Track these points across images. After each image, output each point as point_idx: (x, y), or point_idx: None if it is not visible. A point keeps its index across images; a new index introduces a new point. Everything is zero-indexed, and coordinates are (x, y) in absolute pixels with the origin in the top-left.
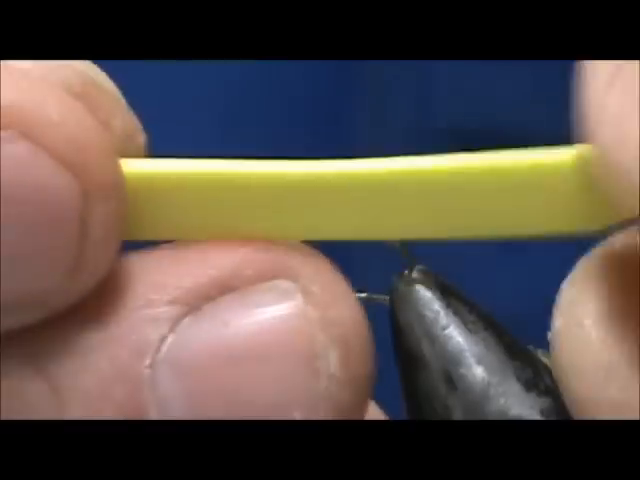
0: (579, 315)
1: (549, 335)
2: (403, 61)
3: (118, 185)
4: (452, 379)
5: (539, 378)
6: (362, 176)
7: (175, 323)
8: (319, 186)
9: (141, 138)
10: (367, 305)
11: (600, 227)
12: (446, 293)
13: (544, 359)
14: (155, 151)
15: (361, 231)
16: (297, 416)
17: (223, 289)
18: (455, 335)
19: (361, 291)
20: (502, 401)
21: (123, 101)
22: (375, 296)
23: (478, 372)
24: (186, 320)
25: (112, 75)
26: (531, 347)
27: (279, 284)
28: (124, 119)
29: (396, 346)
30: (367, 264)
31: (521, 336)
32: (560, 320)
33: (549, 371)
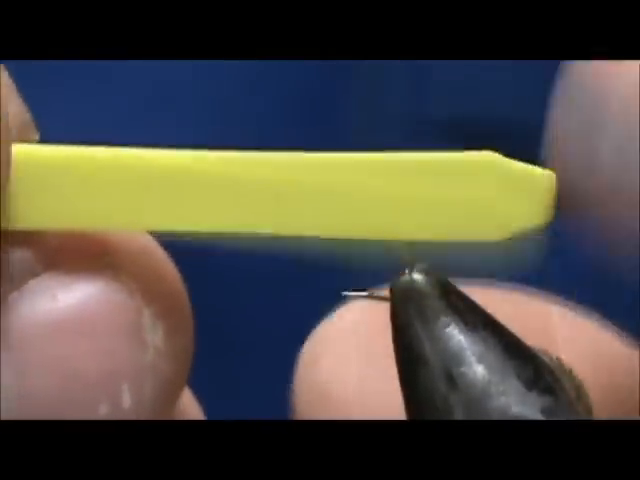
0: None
1: None
2: (395, 60)
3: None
4: (452, 377)
5: (540, 377)
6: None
7: (2, 298)
8: (185, 175)
9: (35, 135)
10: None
11: (506, 236)
12: (446, 292)
13: (544, 358)
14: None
15: (236, 224)
16: (125, 388)
17: (48, 265)
18: (455, 334)
19: (361, 291)
20: (503, 399)
21: (17, 92)
22: (376, 295)
23: (479, 370)
24: (14, 294)
25: (99, 74)
26: (531, 346)
27: (104, 259)
28: (19, 109)
29: (396, 345)
30: (367, 264)
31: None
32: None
33: (550, 370)
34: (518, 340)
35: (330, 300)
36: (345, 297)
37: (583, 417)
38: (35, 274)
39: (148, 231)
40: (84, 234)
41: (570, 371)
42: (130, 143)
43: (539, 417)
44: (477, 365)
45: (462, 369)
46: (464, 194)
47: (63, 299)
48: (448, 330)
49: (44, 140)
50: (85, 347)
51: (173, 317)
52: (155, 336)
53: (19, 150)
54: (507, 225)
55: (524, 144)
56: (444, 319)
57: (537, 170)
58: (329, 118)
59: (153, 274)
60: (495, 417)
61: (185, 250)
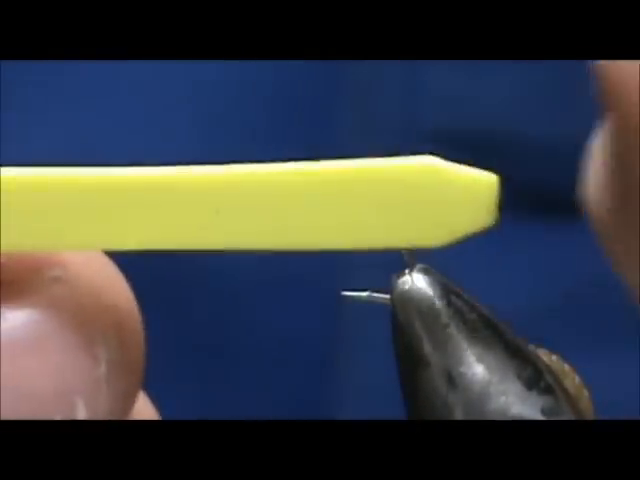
0: None
1: None
2: (390, 63)
3: None
4: (453, 378)
5: (539, 377)
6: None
7: None
8: (151, 191)
9: None
10: (368, 305)
11: (440, 243)
12: (447, 292)
13: (544, 358)
14: (139, 153)
15: (205, 241)
16: (79, 402)
17: None
18: (456, 334)
19: (361, 291)
20: (502, 400)
21: None
22: (376, 295)
23: (479, 371)
24: None
25: (93, 76)
26: (531, 346)
27: (51, 273)
28: None
29: (397, 345)
30: (367, 264)
31: (521, 335)
32: None
33: (550, 370)
34: (518, 340)
35: (330, 300)
36: (345, 297)
37: (583, 417)
38: None
39: (95, 250)
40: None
41: (570, 371)
42: (126, 144)
43: (539, 417)
44: (477, 365)
45: (462, 369)
46: (407, 199)
47: (12, 318)
48: (448, 330)
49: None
50: (37, 365)
51: (124, 329)
52: (107, 349)
53: None
54: (451, 230)
55: (514, 153)
56: (444, 319)
57: (480, 174)
58: (321, 126)
59: (101, 285)
60: (495, 417)
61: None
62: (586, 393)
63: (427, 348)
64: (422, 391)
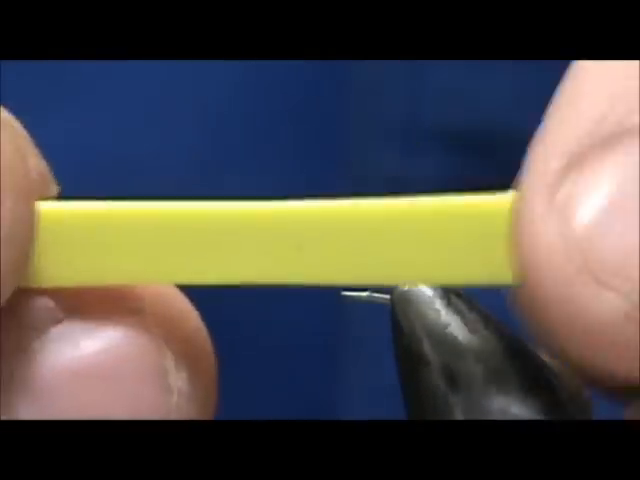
0: None
1: None
2: (392, 63)
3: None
4: (453, 377)
5: (540, 376)
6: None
7: (25, 347)
8: (222, 226)
9: (54, 187)
10: (368, 305)
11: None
12: (447, 292)
13: (544, 357)
14: (141, 156)
15: (271, 274)
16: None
17: (69, 312)
18: (456, 334)
19: (361, 291)
20: (502, 399)
21: (33, 145)
22: (376, 295)
23: (478, 370)
24: (36, 343)
25: (94, 78)
26: (531, 345)
27: (124, 304)
28: (37, 161)
29: (397, 345)
30: None
31: (521, 335)
32: None
33: (550, 369)
34: (518, 340)
35: (330, 300)
36: (345, 297)
37: (583, 417)
38: (57, 321)
39: (174, 284)
40: None
41: (570, 370)
42: (125, 145)
43: (539, 417)
44: (477, 365)
45: (462, 369)
46: (493, 235)
47: (86, 346)
48: (448, 330)
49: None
50: (111, 393)
51: (196, 359)
52: (179, 379)
53: (43, 208)
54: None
55: (515, 152)
56: (444, 319)
57: None
58: (325, 129)
59: (174, 316)
60: (495, 417)
61: None
62: (586, 393)
63: (427, 348)
64: (422, 391)
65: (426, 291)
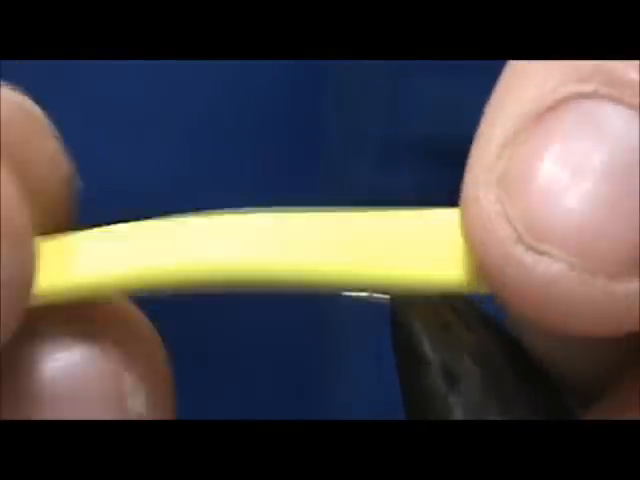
0: None
1: None
2: (373, 70)
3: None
4: (452, 377)
5: (539, 377)
6: None
7: None
8: None
9: (67, 169)
10: (367, 305)
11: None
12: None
13: None
14: (129, 154)
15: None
16: None
17: (26, 333)
18: (455, 334)
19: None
20: (502, 399)
21: (49, 126)
22: (375, 295)
23: (478, 370)
24: None
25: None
26: None
27: (79, 326)
28: (49, 149)
29: (396, 345)
30: None
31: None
32: None
33: (549, 369)
34: (518, 340)
35: (330, 300)
36: (345, 296)
37: (582, 417)
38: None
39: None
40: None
41: None
42: (120, 147)
43: (539, 417)
44: (477, 365)
45: (462, 369)
46: None
47: (40, 369)
48: (448, 330)
49: None
50: (67, 416)
51: (154, 381)
52: (136, 401)
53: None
54: None
55: None
56: (444, 319)
57: None
58: (304, 138)
59: (133, 338)
60: (495, 417)
61: None
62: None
63: (427, 348)
64: (422, 391)
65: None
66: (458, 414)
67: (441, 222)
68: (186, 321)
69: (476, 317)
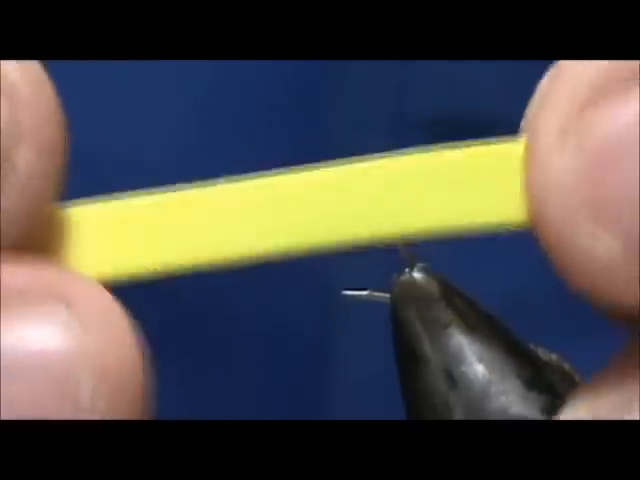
0: None
1: None
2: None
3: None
4: (453, 377)
5: (540, 376)
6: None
7: None
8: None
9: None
10: (367, 304)
11: None
12: (447, 291)
13: (544, 357)
14: (130, 154)
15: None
16: None
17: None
18: (456, 333)
19: (361, 290)
20: (503, 399)
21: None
22: (376, 294)
23: (479, 370)
24: None
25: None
26: (531, 345)
27: (47, 307)
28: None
29: (396, 344)
30: (367, 263)
31: (521, 335)
32: None
33: (549, 369)
34: (518, 340)
35: (330, 299)
36: (345, 296)
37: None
38: None
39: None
40: (32, 276)
41: (570, 370)
42: (120, 145)
43: (539, 416)
44: (477, 365)
45: (462, 369)
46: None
47: (20, 336)
48: (448, 330)
49: None
50: (11, 391)
51: (116, 379)
52: (95, 396)
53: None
54: None
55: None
56: (444, 318)
57: None
58: (312, 118)
59: (103, 325)
60: (495, 417)
61: None
62: None
63: (427, 347)
64: (422, 390)
65: (426, 290)
66: (458, 413)
67: (496, 157)
68: (186, 321)
69: (476, 317)
